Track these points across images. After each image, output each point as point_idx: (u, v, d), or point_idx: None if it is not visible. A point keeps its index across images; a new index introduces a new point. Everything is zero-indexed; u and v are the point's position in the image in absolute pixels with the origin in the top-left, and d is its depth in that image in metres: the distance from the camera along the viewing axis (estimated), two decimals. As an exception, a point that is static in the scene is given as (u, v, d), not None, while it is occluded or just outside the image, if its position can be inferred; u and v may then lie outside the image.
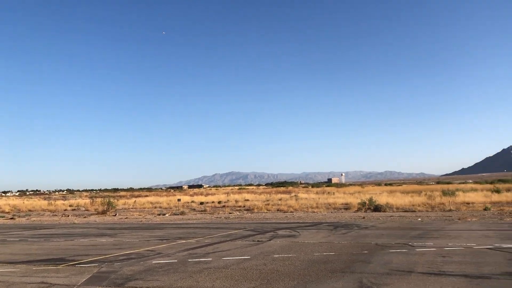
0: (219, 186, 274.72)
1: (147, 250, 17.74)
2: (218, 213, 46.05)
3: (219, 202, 66.20)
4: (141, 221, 39.23)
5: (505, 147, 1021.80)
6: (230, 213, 46.03)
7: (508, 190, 67.37)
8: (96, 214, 51.36)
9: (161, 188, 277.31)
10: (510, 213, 35.43)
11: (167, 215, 46.55)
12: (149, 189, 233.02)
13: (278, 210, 47.25)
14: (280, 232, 23.88)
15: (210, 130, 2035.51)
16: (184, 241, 20.91)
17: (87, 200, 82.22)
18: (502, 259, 13.23)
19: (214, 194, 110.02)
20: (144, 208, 61.99)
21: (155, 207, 61.93)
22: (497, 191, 64.02)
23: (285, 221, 32.80)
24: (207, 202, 68.61)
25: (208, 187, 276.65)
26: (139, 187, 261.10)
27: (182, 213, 47.28)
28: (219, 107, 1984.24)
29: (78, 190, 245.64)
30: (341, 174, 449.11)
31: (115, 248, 18.94)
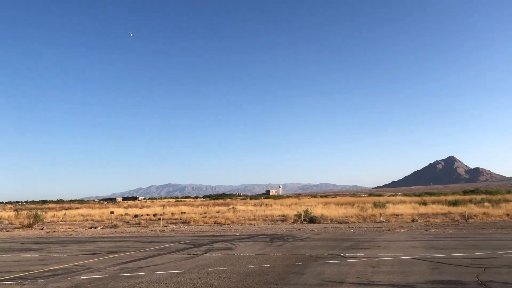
0: (155, 199, 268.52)
1: (76, 265, 16.90)
2: (153, 226, 44.93)
3: (155, 215, 64.55)
4: (71, 234, 37.43)
5: (432, 161, 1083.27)
6: (166, 226, 45.05)
7: (433, 202, 71.38)
8: (21, 227, 48.29)
9: (94, 200, 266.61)
10: (435, 224, 37.47)
11: (99, 228, 44.74)
12: (80, 201, 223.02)
13: (215, 222, 46.87)
14: (216, 245, 23.67)
15: (146, 140, 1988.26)
16: (116, 255, 20.16)
17: (11, 213, 77.15)
18: (426, 269, 13.90)
19: (150, 206, 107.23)
20: (74, 221, 59.17)
21: (87, 220, 59.32)
22: (424, 203, 67.65)
23: (222, 234, 32.59)
24: (142, 215, 66.70)
25: (144, 199, 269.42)
26: (70, 199, 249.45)
27: (115, 226, 45.63)
28: (156, 119, 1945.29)
29: (2, 202, 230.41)
30: (279, 186, 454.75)
31: (40, 263, 17.87)
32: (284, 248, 21.33)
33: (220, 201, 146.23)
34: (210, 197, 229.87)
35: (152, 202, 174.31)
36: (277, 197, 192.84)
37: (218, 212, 65.45)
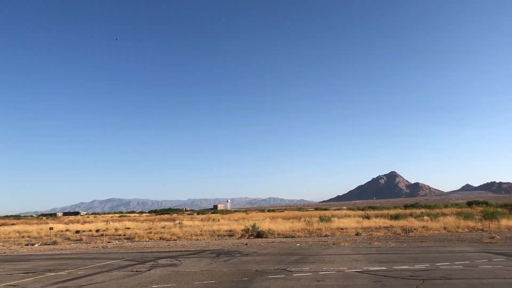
0: (98, 214, 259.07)
1: (8, 285, 15.92)
2: (96, 242, 43.28)
3: (97, 231, 62.27)
4: (5, 252, 35.31)
5: (375, 176, 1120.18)
6: (109, 242, 43.54)
7: (376, 216, 73.60)
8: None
9: (32, 216, 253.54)
10: (378, 238, 38.58)
11: (36, 245, 42.52)
12: (17, 217, 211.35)
13: (160, 238, 45.84)
14: (161, 261, 23.11)
15: (89, 153, 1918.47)
16: (53, 273, 19.19)
17: None
18: (369, 282, 14.24)
19: (92, 222, 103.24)
20: (9, 238, 55.93)
21: (23, 237, 56.22)
22: (367, 217, 69.61)
23: (167, 250, 31.89)
24: (84, 231, 64.16)
25: (86, 214, 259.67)
26: (5, 215, 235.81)
27: (54, 243, 43.55)
28: (99, 131, 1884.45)
29: None
30: (227, 201, 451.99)
31: (-31, 284, 16.70)
32: (231, 263, 21.15)
33: (166, 216, 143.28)
34: (156, 212, 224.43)
35: (95, 217, 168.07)
36: (225, 211, 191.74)
37: (164, 227, 64.12)
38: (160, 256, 26.64)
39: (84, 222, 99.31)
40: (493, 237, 34.47)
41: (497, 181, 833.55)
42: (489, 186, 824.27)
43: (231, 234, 48.32)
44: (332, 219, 63.43)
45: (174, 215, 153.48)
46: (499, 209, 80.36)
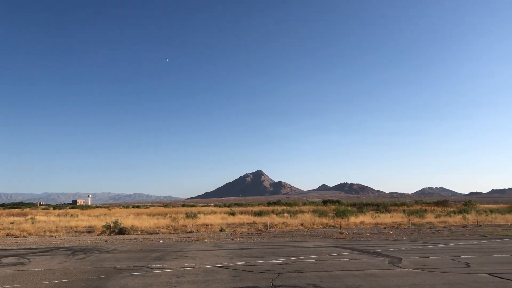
0: None
1: None
2: None
3: None
4: None
5: (242, 174, 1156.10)
6: None
7: (241, 213, 76.11)
8: None
9: None
10: (241, 233, 39.80)
11: None
12: None
13: (8, 235, 41.41)
14: (6, 260, 20.83)
15: None
16: None
17: None
18: (228, 276, 14.54)
19: None
20: None
21: None
22: (233, 213, 71.62)
23: (15, 247, 28.89)
24: None
25: None
26: None
27: None
28: None
29: None
30: (88, 196, 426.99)
31: None
32: (87, 261, 19.94)
33: (16, 210, 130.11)
34: (4, 206, 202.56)
35: None
36: (85, 207, 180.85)
37: (12, 223, 58.05)
38: (5, 254, 24.01)
39: None
40: (342, 233, 37.81)
41: (349, 182, 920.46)
42: (342, 187, 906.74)
43: (90, 230, 45.66)
44: (198, 215, 63.84)
45: (26, 209, 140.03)
46: (349, 208, 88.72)
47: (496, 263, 17.66)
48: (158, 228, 46.53)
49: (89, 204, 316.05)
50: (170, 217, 62.82)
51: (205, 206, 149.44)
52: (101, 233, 41.97)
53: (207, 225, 50.79)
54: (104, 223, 46.81)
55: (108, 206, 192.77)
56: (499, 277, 13.98)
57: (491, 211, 79.82)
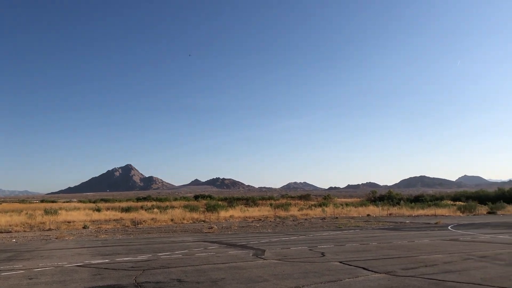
0: None
1: None
2: None
3: None
4: None
5: (110, 168, 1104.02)
6: None
7: (108, 209, 72.70)
8: None
9: None
10: (106, 230, 38.03)
11: None
12: None
13: None
14: None
15: None
16: None
17: None
18: (88, 275, 13.74)
19: None
20: None
21: None
22: (98, 210, 68.00)
23: None
24: None
25: None
26: None
27: None
28: None
29: None
30: None
31: None
32: None
33: None
34: None
35: None
36: None
37: None
38: None
39: None
40: (211, 228, 38.32)
41: (221, 177, 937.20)
42: (214, 182, 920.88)
43: None
44: (60, 212, 59.45)
45: None
46: (220, 202, 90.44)
47: (347, 252, 19.43)
48: (11, 226, 42.21)
49: None
50: (26, 213, 57.46)
51: (67, 202, 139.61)
52: None
53: (69, 222, 47.59)
54: None
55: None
56: (348, 265, 15.38)
57: (347, 204, 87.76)
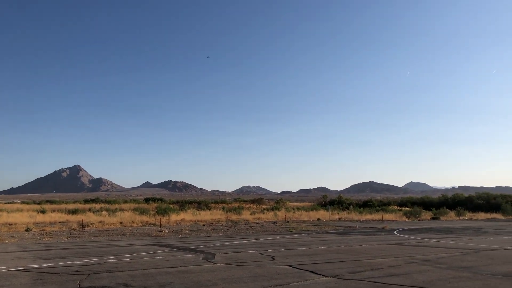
0: None
1: None
2: None
3: None
4: None
5: (57, 169, 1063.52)
6: None
7: (54, 211, 69.90)
8: None
9: None
10: (50, 233, 36.55)
11: None
12: None
13: None
14: None
15: None
16: None
17: None
18: (29, 280, 13.14)
19: None
20: None
21: None
22: (43, 211, 65.34)
23: None
24: None
25: None
26: None
27: None
28: None
29: None
30: None
31: None
32: None
33: None
34: None
35: None
36: None
37: None
38: None
39: None
40: (162, 231, 37.75)
41: (173, 180, 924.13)
42: (166, 184, 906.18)
43: None
44: (0, 213, 56.64)
45: None
46: (171, 205, 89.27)
47: (297, 256, 19.66)
48: None
49: None
50: (-38, 216, 54.34)
51: (10, 203, 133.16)
52: None
53: (11, 224, 45.34)
54: None
55: None
56: (297, 268, 15.56)
57: (298, 208, 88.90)
